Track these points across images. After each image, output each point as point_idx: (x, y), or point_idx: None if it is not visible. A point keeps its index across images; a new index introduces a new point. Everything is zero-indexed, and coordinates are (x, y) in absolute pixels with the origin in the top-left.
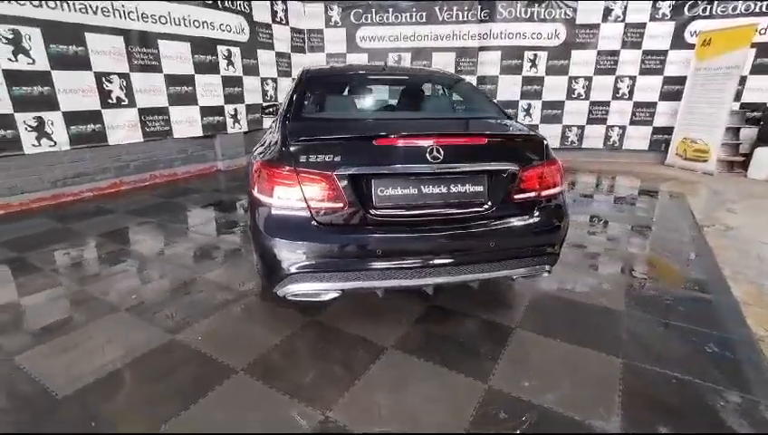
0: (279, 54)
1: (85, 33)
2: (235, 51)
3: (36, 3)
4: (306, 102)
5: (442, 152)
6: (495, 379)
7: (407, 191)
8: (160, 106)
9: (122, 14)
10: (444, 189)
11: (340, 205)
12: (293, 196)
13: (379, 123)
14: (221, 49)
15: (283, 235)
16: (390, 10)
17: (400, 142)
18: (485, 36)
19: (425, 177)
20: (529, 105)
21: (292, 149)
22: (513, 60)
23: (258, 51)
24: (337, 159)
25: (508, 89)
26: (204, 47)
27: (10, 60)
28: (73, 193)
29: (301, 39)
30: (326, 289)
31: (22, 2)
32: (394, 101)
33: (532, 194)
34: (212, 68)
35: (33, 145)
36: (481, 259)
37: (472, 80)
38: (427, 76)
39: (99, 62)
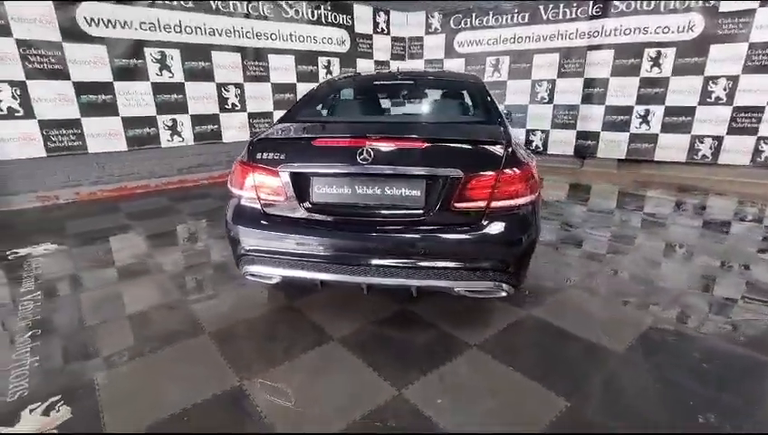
0: (378, 63)
1: (212, 52)
2: (335, 61)
3: (179, 30)
4: (307, 106)
5: (372, 154)
6: (412, 389)
7: (341, 190)
8: (266, 111)
9: (241, 34)
10: (378, 191)
11: (282, 199)
12: (248, 188)
13: (342, 126)
14: (321, 60)
15: (238, 221)
16: (491, 13)
17: (334, 143)
18: (596, 34)
19: (357, 177)
20: (647, 111)
21: (253, 146)
22: (629, 59)
23: (357, 60)
24: (282, 156)
25: (620, 92)
26: (306, 58)
27: (157, 74)
28: (194, 180)
29: (401, 47)
30: (270, 274)
31: (168, 30)
32: (388, 106)
33: (480, 204)
34: (312, 77)
35: (168, 140)
36: (415, 266)
37: (577, 82)
38: (433, 81)
39: (220, 75)
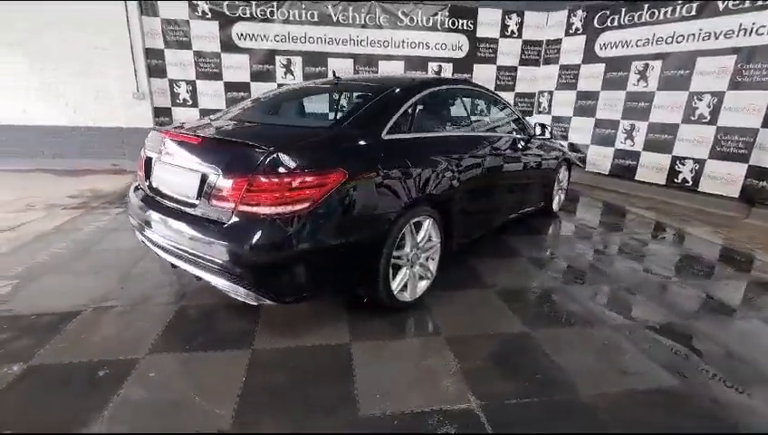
0: (501, 68)
1: (328, 58)
2: (446, 66)
3: (303, 40)
4: (232, 107)
5: (166, 146)
6: (149, 358)
7: (162, 175)
8: None
9: (356, 43)
10: (177, 179)
11: (143, 177)
12: (138, 168)
13: (215, 123)
14: (432, 65)
15: (130, 195)
16: (646, 6)
17: (163, 135)
18: None
19: (165, 165)
20: None
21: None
22: None
23: (474, 65)
24: (150, 143)
25: None
26: (416, 64)
27: (282, 77)
28: None
29: (535, 51)
30: (140, 239)
31: (295, 41)
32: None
33: (229, 205)
34: None
35: None
36: (189, 254)
37: (759, 96)
38: (352, 88)
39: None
